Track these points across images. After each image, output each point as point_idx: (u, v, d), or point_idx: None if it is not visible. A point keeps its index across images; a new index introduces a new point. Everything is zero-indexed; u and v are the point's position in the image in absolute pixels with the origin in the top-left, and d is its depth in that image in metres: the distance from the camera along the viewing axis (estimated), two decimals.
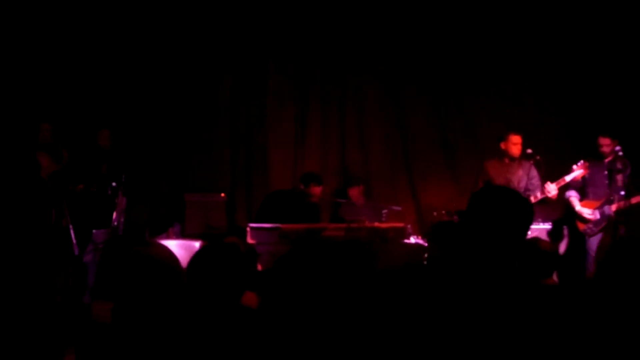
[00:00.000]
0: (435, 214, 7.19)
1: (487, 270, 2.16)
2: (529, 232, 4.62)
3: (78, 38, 7.64)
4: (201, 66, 8.24)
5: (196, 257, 2.50)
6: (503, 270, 2.17)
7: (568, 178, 6.66)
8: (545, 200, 6.69)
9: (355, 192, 7.85)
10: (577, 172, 6.66)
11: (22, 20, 7.33)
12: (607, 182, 6.71)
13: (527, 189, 6.80)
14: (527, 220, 2.25)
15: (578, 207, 6.83)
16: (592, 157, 6.82)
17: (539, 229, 6.65)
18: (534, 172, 6.88)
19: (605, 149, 6.75)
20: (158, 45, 8.02)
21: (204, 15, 8.14)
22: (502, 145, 6.94)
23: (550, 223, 6.82)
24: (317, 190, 7.29)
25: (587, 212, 6.77)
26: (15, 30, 7.28)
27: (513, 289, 2.15)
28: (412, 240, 6.93)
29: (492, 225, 2.19)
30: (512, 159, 6.91)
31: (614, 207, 6.61)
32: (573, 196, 6.88)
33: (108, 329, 2.73)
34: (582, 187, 6.87)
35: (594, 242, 6.73)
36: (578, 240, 6.85)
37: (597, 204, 6.76)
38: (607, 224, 6.65)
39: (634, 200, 6.50)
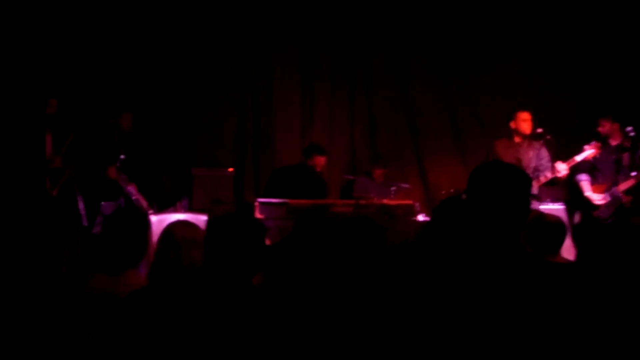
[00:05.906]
0: (443, 192, 7.17)
1: (490, 247, 2.14)
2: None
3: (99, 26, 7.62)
4: (208, 43, 8.20)
5: (214, 226, 2.37)
6: (506, 246, 2.15)
7: (579, 158, 6.52)
8: (555, 181, 6.55)
9: (379, 173, 7.90)
10: (589, 152, 6.54)
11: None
12: (615, 165, 6.64)
13: (537, 170, 6.64)
14: (526, 194, 2.22)
15: (588, 192, 6.72)
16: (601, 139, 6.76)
17: (551, 209, 6.58)
18: (545, 152, 6.71)
19: (602, 130, 6.70)
20: (164, 25, 7.97)
21: None
22: (512, 125, 6.74)
23: (562, 204, 6.76)
24: (320, 160, 7.12)
25: (596, 197, 6.68)
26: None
27: (517, 266, 2.13)
28: (420, 218, 6.92)
29: (491, 200, 2.17)
30: (524, 136, 6.71)
31: (621, 187, 6.55)
32: (584, 180, 6.76)
33: (104, 300, 2.72)
34: (592, 170, 6.77)
35: None
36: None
37: (605, 187, 6.70)
38: (620, 205, 6.57)
39: None
